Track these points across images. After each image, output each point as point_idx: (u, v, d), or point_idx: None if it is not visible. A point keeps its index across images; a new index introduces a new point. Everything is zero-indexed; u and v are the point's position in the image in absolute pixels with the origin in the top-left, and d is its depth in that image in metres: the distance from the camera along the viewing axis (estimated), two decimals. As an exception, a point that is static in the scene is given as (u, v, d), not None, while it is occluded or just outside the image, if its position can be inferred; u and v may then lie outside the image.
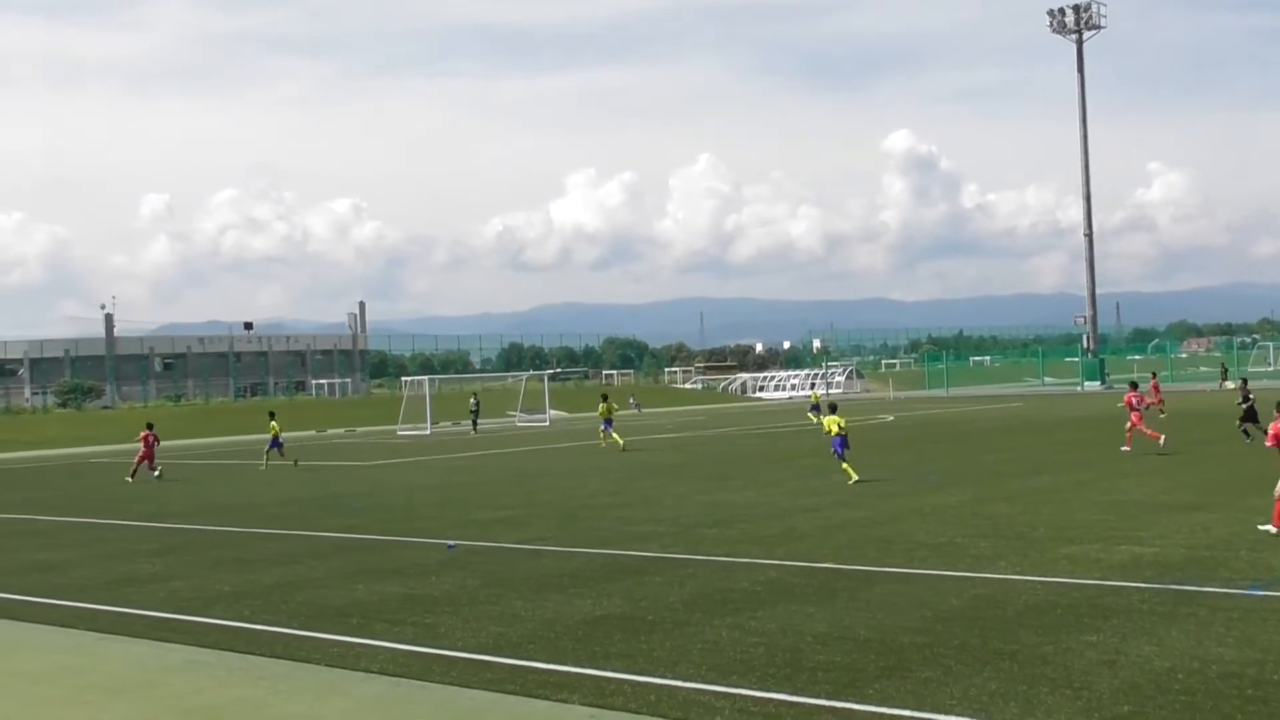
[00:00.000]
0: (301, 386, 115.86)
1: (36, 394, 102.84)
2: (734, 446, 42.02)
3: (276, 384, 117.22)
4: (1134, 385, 32.40)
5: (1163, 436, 29.72)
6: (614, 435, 41.65)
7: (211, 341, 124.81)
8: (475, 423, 62.85)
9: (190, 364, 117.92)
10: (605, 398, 44.49)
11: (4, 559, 20.41)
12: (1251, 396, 31.76)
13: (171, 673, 11.62)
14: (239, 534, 22.18)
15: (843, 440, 26.27)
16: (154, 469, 36.82)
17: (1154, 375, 51.19)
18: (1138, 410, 30.65)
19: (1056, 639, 11.05)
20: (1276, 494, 16.44)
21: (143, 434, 37.73)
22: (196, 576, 17.17)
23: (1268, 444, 17.78)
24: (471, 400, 65.17)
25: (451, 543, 19.12)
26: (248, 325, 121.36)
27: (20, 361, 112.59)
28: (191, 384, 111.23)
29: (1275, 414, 18.06)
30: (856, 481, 25.23)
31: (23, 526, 25.63)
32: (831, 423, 26.54)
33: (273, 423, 41.04)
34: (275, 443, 40.17)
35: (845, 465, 26.03)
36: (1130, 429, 30.28)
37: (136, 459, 37.19)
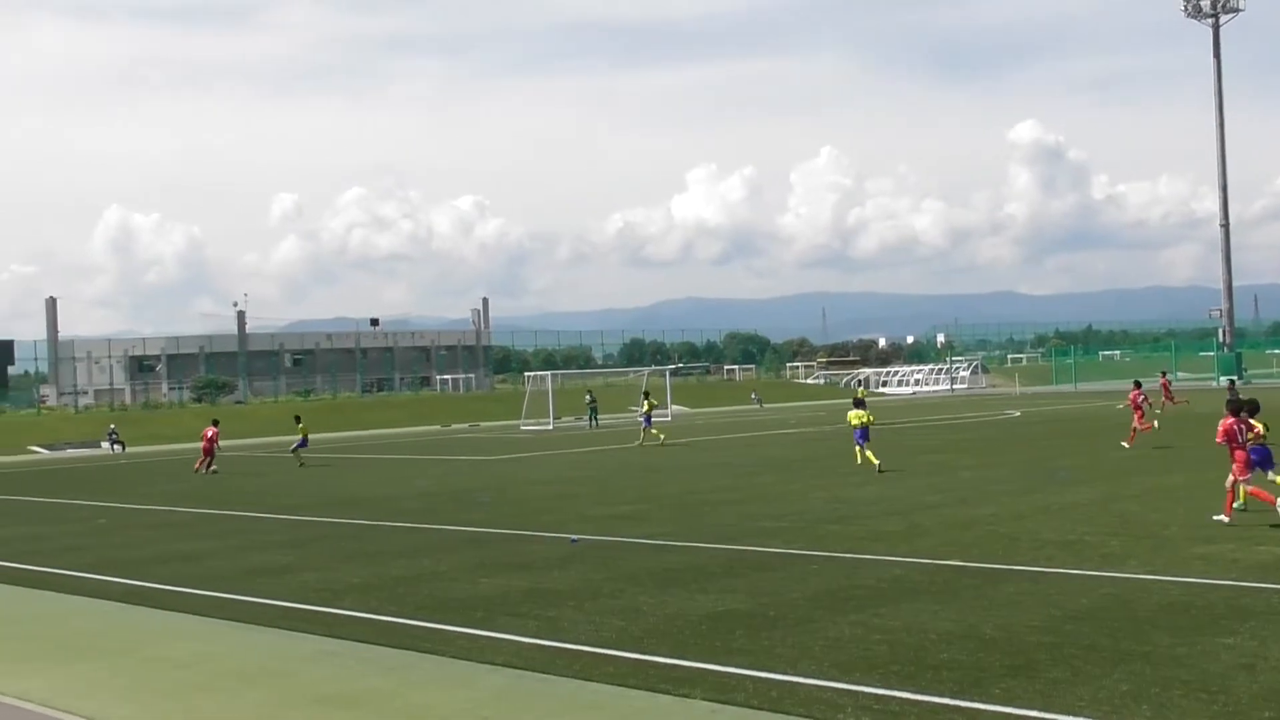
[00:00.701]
0: (426, 382, 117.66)
1: (173, 389, 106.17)
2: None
3: (402, 379, 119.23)
4: (1138, 384, 34.07)
5: (1128, 444, 31.47)
6: (652, 431, 44.93)
7: (339, 338, 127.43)
8: (594, 419, 63.66)
9: (319, 360, 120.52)
10: (647, 395, 48.44)
11: (149, 549, 21.13)
12: (1233, 396, 31.47)
13: (303, 662, 11.92)
14: (368, 527, 22.65)
15: (863, 431, 29.66)
16: (210, 466, 39.99)
17: (1163, 374, 50.24)
18: (1140, 409, 32.50)
19: (1191, 641, 10.77)
20: (1228, 484, 17.76)
21: (208, 430, 41.29)
22: (327, 568, 17.59)
23: (1218, 440, 18.23)
24: (587, 396, 65.90)
25: (575, 537, 19.29)
26: (374, 322, 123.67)
27: (158, 358, 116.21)
28: (320, 379, 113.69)
29: (1225, 412, 18.39)
30: (880, 471, 27.69)
31: (163, 517, 26.49)
32: (854, 417, 30.11)
33: (300, 425, 43.35)
34: (303, 443, 42.68)
35: (867, 452, 29.15)
36: (1135, 427, 31.93)
37: (205, 453, 40.52)
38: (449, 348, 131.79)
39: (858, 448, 29.61)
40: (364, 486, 32.18)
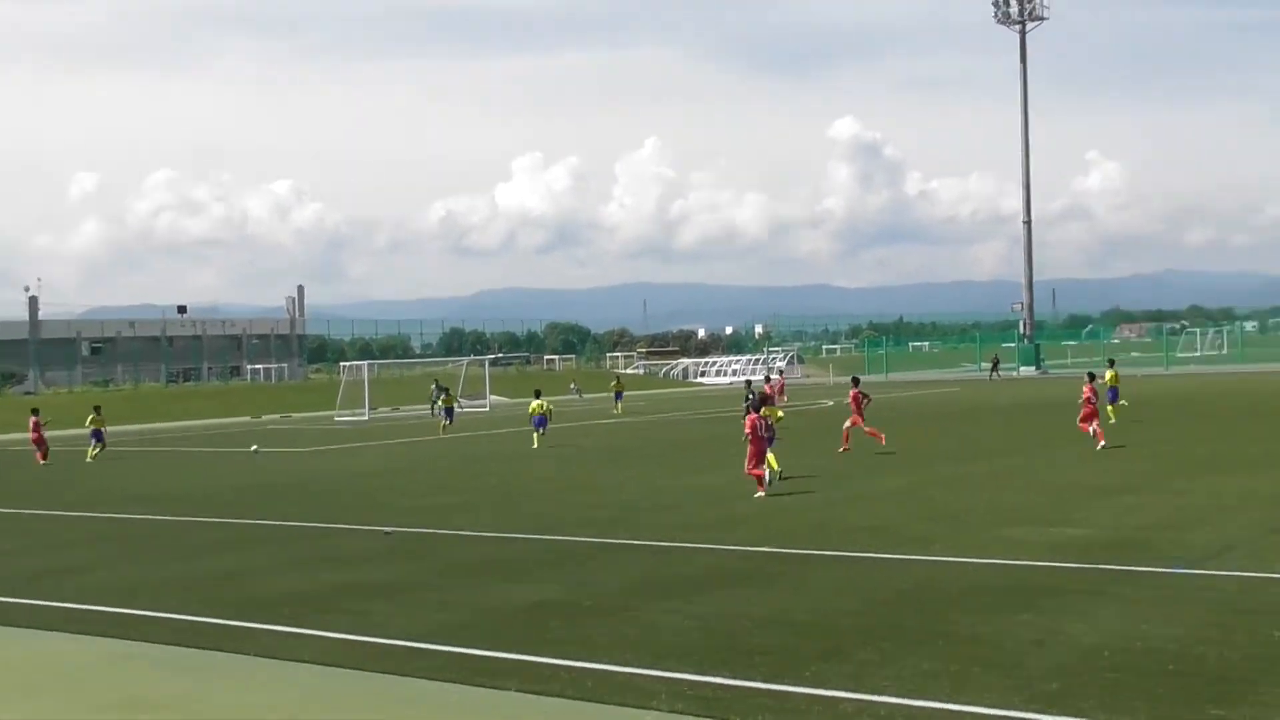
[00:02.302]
0: (237, 372, 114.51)
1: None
2: (674, 432, 42.07)
3: (210, 369, 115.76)
4: (856, 381, 31.30)
5: (883, 435, 29.25)
6: (444, 422, 46.22)
7: (143, 325, 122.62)
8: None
9: (119, 348, 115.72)
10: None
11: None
12: (753, 396, 30.08)
13: (95, 667, 11.36)
14: (169, 523, 21.79)
15: (541, 419, 35.81)
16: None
17: (780, 374, 51.37)
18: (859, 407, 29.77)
19: (990, 620, 11.15)
20: (753, 471, 21.40)
21: (33, 420, 39.19)
22: (121, 567, 16.85)
23: (747, 431, 21.58)
24: (433, 386, 60.59)
25: (388, 529, 18.95)
26: (181, 309, 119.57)
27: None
28: (121, 369, 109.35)
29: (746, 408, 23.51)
30: (535, 448, 33.96)
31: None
32: (535, 407, 36.03)
33: (95, 415, 40.65)
34: (97, 435, 40.03)
35: (535, 434, 35.67)
36: (849, 427, 29.41)
37: (39, 445, 38.35)
38: (261, 336, 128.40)
39: (536, 433, 35.50)
40: (166, 480, 31.02)
